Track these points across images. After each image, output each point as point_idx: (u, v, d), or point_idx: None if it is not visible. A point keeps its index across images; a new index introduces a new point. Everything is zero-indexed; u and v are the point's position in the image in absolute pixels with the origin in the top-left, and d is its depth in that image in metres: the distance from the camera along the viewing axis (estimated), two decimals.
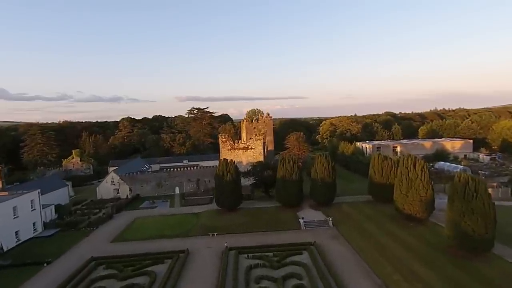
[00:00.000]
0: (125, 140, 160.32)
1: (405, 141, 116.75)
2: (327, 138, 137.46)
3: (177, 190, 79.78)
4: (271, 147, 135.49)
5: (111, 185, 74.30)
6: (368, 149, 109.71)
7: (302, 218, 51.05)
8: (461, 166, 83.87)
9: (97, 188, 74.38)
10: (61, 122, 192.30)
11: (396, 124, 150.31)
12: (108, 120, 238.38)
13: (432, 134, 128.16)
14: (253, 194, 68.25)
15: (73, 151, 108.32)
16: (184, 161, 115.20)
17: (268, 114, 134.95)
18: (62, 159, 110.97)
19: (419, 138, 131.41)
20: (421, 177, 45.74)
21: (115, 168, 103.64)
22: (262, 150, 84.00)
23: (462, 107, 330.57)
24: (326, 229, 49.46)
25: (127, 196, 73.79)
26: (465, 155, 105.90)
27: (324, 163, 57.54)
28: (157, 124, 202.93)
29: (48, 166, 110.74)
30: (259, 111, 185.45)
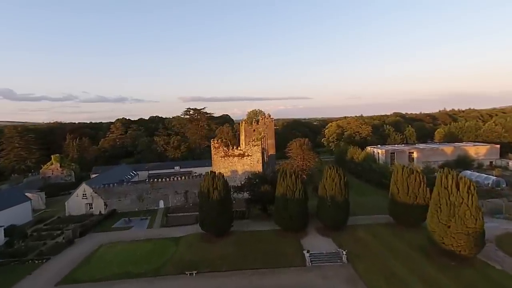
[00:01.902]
0: (117, 143, 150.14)
1: (422, 145, 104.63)
2: (333, 141, 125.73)
3: (161, 204, 68.88)
4: (272, 151, 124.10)
5: (83, 199, 63.51)
6: (380, 155, 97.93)
7: (308, 252, 39.67)
8: (493, 177, 71.90)
9: (66, 203, 63.58)
10: (52, 123, 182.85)
11: (409, 126, 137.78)
12: (104, 121, 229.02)
13: (451, 138, 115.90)
14: (248, 212, 57.02)
15: (52, 156, 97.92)
16: (175, 167, 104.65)
17: (269, 115, 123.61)
18: (42, 165, 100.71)
19: (436, 142, 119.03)
20: (468, 201, 34.18)
21: (96, 175, 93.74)
22: (261, 157, 72.79)
23: (471, 108, 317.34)
24: (339, 266, 38.04)
25: (100, 212, 62.92)
26: (491, 162, 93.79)
27: (335, 177, 46.15)
28: (154, 125, 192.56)
29: (26, 172, 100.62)
30: (260, 111, 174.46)
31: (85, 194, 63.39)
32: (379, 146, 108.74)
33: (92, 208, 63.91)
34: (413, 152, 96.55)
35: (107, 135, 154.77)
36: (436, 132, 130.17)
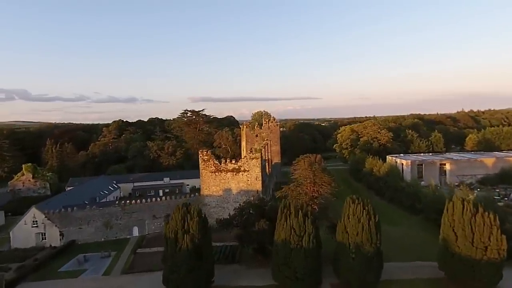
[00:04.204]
0: (109, 148, 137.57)
1: (454, 155, 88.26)
2: (347, 148, 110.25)
3: (135, 231, 55.22)
4: (277, 159, 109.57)
5: (33, 227, 50.18)
6: (405, 167, 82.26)
7: None
8: None
9: (10, 233, 50.30)
10: (43, 123, 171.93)
11: (435, 131, 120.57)
12: (103, 122, 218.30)
13: (486, 145, 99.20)
14: (239, 252, 42.79)
15: (23, 165, 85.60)
16: (164, 179, 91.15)
17: (274, 119, 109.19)
18: (14, 175, 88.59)
19: (469, 151, 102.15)
20: None
21: (71, 188, 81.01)
22: (260, 173, 58.37)
23: (490, 109, 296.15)
24: None
25: (51, 245, 49.42)
26: None
27: (361, 216, 31.48)
28: (152, 128, 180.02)
29: None
30: (266, 113, 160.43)
31: (36, 221, 50.05)
32: (401, 155, 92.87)
33: (45, 239, 50.57)
34: (445, 164, 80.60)
35: (99, 139, 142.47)
36: (467, 138, 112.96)
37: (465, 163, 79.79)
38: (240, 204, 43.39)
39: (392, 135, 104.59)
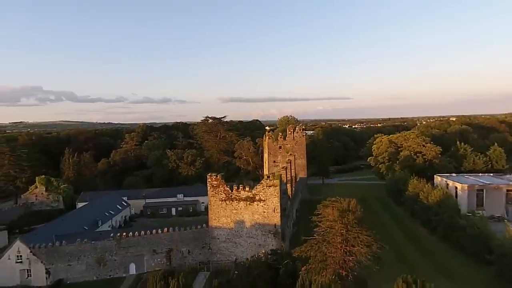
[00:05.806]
0: (131, 155, 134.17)
1: None
2: (384, 162, 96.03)
3: (132, 269, 47.73)
4: (303, 173, 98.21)
5: (17, 263, 44.31)
6: (460, 192, 67.40)
7: None
8: None
9: None
10: (71, 130, 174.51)
11: (494, 144, 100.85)
12: (132, 123, 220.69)
13: None
14: None
15: (37, 178, 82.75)
16: (178, 195, 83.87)
17: (301, 129, 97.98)
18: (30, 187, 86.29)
19: None
20: None
21: (85, 203, 76.47)
22: (278, 204, 48.22)
23: None
24: None
25: (32, 286, 43.13)
26: None
27: None
28: (175, 133, 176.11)
29: (14, 194, 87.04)
30: (293, 119, 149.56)
31: (20, 256, 44.12)
32: (453, 175, 77.36)
33: (30, 276, 44.51)
34: None
35: (121, 146, 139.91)
36: None
37: None
38: (247, 259, 33.65)
39: (440, 149, 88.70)
